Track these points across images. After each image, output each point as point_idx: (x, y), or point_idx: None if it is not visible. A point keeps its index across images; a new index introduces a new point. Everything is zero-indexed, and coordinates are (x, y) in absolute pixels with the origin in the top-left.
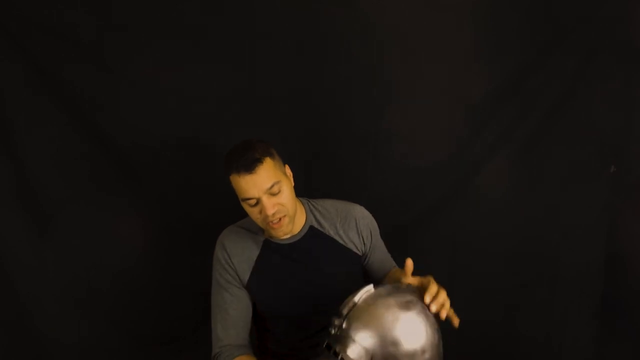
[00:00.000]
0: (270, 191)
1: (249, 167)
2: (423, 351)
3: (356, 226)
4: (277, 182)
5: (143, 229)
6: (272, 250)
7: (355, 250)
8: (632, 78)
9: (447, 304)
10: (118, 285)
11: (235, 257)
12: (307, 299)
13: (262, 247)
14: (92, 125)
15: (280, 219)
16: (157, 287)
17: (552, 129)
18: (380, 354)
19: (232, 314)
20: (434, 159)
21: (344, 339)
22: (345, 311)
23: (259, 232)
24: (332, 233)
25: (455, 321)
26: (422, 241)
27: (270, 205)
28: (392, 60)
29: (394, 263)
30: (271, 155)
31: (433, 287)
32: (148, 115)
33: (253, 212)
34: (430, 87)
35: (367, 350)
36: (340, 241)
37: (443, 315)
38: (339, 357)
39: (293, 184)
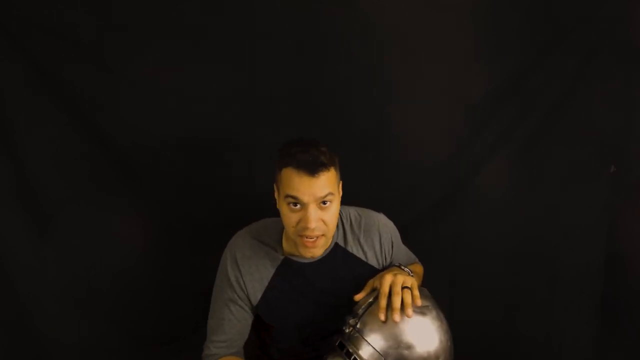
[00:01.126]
0: (322, 200)
1: (314, 169)
2: (436, 357)
3: (380, 242)
4: (332, 194)
5: (143, 229)
6: (291, 271)
7: (376, 266)
8: (632, 78)
9: (407, 297)
10: (118, 285)
11: (247, 276)
12: (320, 320)
13: (279, 266)
14: (92, 125)
15: (317, 237)
16: (157, 287)
17: (552, 129)
18: (393, 356)
19: (227, 332)
20: (434, 159)
21: (357, 339)
22: (360, 311)
23: (277, 247)
24: (354, 250)
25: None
26: (422, 241)
27: (315, 218)
28: (392, 60)
29: (413, 259)
30: (336, 167)
31: (385, 286)
32: (148, 115)
33: (290, 217)
34: (430, 87)
35: (379, 352)
36: (363, 258)
37: (409, 313)
38: (352, 358)
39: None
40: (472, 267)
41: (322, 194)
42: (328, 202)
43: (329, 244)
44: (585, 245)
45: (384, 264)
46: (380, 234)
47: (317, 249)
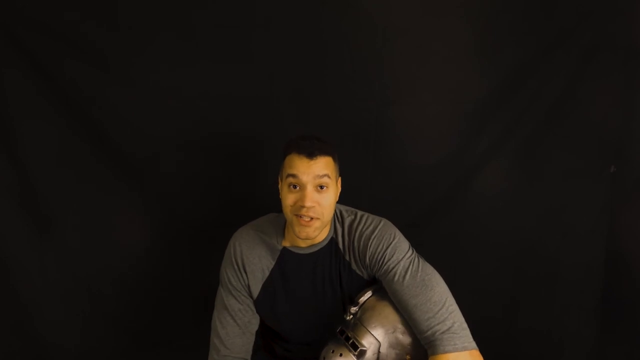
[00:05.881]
0: (319, 182)
1: (312, 152)
2: None
3: (369, 256)
4: (328, 177)
5: (143, 229)
6: (288, 261)
7: (360, 273)
8: (632, 78)
9: None
10: (118, 285)
11: (249, 266)
12: (308, 316)
13: (278, 257)
14: (92, 125)
15: (312, 218)
16: (158, 288)
17: (552, 129)
18: (388, 340)
19: (239, 323)
20: (434, 159)
21: (357, 326)
22: (361, 300)
23: (278, 239)
24: (346, 253)
25: None
26: (421, 241)
27: (311, 198)
28: (392, 60)
29: (433, 319)
30: (335, 158)
31: None
32: (148, 115)
33: (288, 198)
34: (430, 87)
35: (376, 338)
36: (353, 265)
37: None
38: (350, 342)
39: (337, 199)
40: (472, 267)
41: (319, 173)
42: (325, 187)
43: (324, 231)
44: (585, 245)
45: (372, 273)
46: (372, 250)
47: (311, 229)
